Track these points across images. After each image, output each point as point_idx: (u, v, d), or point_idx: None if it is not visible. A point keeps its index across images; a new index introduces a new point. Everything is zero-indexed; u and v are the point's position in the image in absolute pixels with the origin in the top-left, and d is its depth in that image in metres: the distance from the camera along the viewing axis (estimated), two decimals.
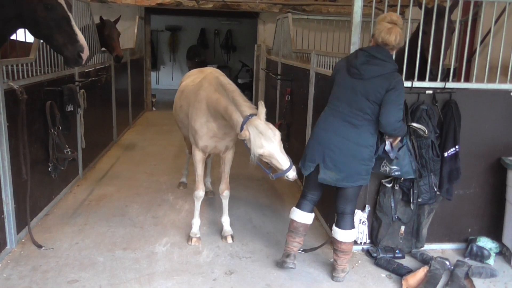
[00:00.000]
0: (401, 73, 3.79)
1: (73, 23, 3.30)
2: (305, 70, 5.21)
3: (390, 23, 3.20)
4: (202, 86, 3.84)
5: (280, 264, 3.56)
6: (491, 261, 3.85)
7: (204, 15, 11.09)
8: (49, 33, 3.27)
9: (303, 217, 3.52)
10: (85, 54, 3.34)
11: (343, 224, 3.44)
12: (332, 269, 3.59)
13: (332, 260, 3.65)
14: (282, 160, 3.23)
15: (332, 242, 3.56)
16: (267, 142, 3.19)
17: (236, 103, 3.39)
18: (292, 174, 3.24)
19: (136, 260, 3.70)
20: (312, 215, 3.56)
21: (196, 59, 14.73)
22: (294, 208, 3.58)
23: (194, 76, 4.50)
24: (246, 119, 3.27)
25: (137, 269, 3.56)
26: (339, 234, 3.45)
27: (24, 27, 3.43)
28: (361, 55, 3.23)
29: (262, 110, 3.25)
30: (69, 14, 3.29)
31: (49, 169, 4.38)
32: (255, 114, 3.27)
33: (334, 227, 3.51)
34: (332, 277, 3.54)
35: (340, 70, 3.35)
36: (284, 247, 3.61)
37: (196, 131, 3.81)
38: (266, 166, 3.39)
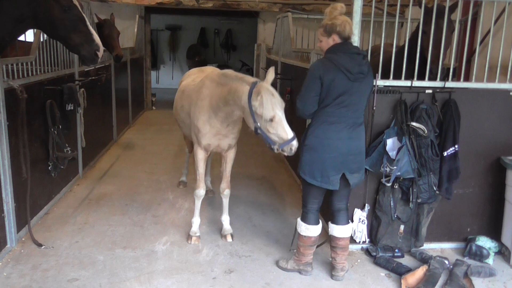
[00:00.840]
0: (401, 73, 3.81)
1: (88, 23, 3.39)
2: (305, 69, 5.19)
3: (342, 15, 3.20)
4: (204, 84, 3.83)
5: (299, 272, 3.58)
6: (490, 261, 3.85)
7: (204, 14, 11.11)
8: (65, 33, 3.34)
9: (316, 230, 3.49)
10: (100, 53, 3.46)
11: (340, 220, 3.47)
12: (331, 268, 3.59)
13: (331, 259, 3.66)
14: (288, 128, 3.23)
15: (330, 239, 3.57)
16: (276, 106, 3.20)
17: (239, 77, 3.45)
18: (295, 145, 3.23)
19: (136, 258, 3.71)
20: (321, 223, 3.54)
21: (196, 58, 14.74)
22: (304, 224, 3.46)
23: (195, 75, 4.50)
24: (253, 85, 3.28)
25: (137, 268, 3.57)
26: (337, 230, 3.47)
27: (38, 28, 3.47)
28: (359, 59, 3.16)
29: (271, 77, 3.29)
30: (84, 15, 3.35)
31: (49, 168, 4.39)
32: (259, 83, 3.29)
33: (330, 225, 3.52)
34: (332, 276, 3.55)
35: (337, 78, 3.11)
36: (298, 257, 3.56)
37: (199, 129, 3.80)
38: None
